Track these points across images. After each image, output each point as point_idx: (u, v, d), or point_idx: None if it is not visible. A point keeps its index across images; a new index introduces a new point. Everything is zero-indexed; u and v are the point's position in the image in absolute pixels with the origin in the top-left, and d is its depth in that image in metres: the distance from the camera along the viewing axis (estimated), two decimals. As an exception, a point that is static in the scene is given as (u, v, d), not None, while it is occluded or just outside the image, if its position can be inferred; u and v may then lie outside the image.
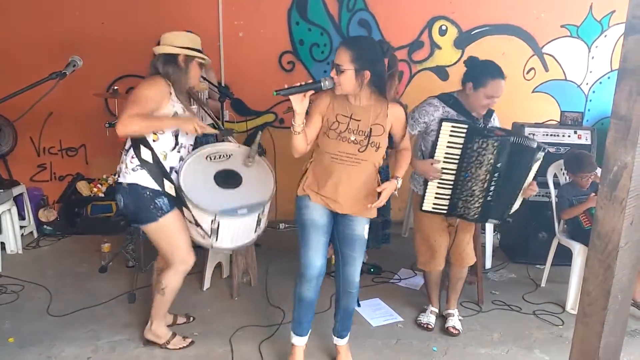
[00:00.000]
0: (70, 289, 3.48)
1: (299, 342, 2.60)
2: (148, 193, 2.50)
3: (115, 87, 4.06)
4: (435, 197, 2.72)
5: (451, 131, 2.64)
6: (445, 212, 2.75)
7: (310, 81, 2.20)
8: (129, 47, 4.56)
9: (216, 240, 2.58)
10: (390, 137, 2.40)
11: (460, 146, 2.64)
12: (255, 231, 2.69)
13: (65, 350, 2.77)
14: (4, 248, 4.02)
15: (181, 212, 2.59)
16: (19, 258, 4.04)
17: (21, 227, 4.28)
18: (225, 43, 4.61)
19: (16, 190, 4.22)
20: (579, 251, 3.33)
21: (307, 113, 2.29)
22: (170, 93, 2.50)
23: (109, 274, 3.72)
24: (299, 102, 2.17)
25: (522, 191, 2.73)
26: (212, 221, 2.51)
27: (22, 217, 4.36)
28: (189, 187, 2.53)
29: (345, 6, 4.63)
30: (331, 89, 2.26)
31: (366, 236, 2.47)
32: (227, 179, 2.65)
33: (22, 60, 4.46)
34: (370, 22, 4.67)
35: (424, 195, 2.73)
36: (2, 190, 3.96)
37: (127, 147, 2.55)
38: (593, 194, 3.34)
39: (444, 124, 2.64)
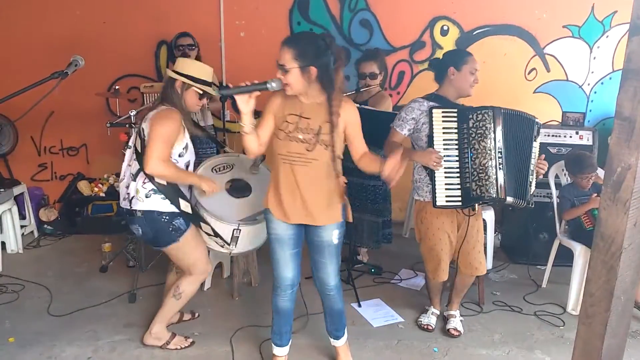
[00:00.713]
0: (71, 288, 3.48)
1: (280, 352, 2.61)
2: (164, 218, 2.51)
3: (117, 87, 4.06)
4: (446, 189, 2.65)
5: (443, 116, 2.63)
6: (460, 202, 2.66)
7: (257, 82, 2.17)
8: (130, 47, 4.56)
9: (235, 246, 2.73)
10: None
11: (456, 130, 2.64)
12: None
13: (65, 350, 2.77)
14: (4, 247, 4.02)
15: (197, 227, 2.64)
16: (19, 257, 4.04)
17: (22, 226, 4.28)
18: (226, 43, 4.61)
19: (17, 190, 4.22)
20: (580, 252, 3.33)
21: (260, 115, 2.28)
22: (183, 126, 2.53)
23: (109, 274, 3.71)
24: (244, 103, 2.16)
25: (533, 167, 2.69)
26: (234, 230, 2.68)
27: (22, 216, 4.36)
28: (208, 202, 2.66)
29: (346, 6, 4.62)
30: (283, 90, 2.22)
31: (336, 241, 2.38)
32: (238, 188, 2.86)
33: (23, 60, 4.46)
34: (372, 22, 4.66)
35: (434, 191, 2.66)
36: (2, 190, 3.96)
37: (134, 171, 2.53)
38: (595, 194, 3.34)
39: (434, 111, 2.64)
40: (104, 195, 4.57)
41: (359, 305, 3.32)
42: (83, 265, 3.85)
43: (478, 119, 2.60)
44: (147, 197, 2.50)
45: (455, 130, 2.64)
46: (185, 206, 2.55)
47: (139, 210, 2.51)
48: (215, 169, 2.88)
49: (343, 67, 2.26)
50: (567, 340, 2.99)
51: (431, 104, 2.74)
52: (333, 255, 2.41)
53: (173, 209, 2.52)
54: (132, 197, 2.52)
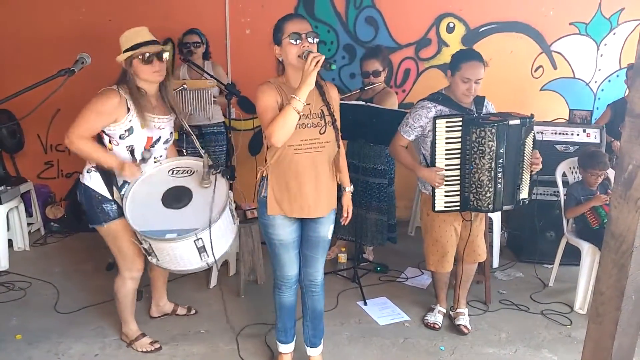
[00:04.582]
0: (78, 286, 3.49)
1: (286, 349, 2.61)
2: (98, 197, 2.52)
3: (123, 85, 4.04)
4: (445, 196, 2.70)
5: (446, 127, 2.61)
6: (458, 208, 2.72)
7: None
8: (136, 45, 4.55)
9: (157, 260, 2.43)
10: None
11: (459, 140, 2.63)
12: (202, 259, 2.38)
13: (72, 347, 2.78)
14: (11, 245, 4.03)
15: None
16: (26, 255, 4.05)
17: (28, 224, 4.29)
18: (232, 40, 4.60)
19: (23, 187, 4.23)
20: (587, 251, 3.31)
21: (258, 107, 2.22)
22: (128, 107, 2.46)
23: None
24: (312, 74, 2.07)
25: (526, 168, 2.71)
26: (143, 240, 2.38)
27: (29, 214, 4.38)
28: (130, 199, 2.45)
29: (352, 3, 4.61)
30: (280, 77, 2.27)
31: (329, 237, 2.40)
32: (177, 198, 2.43)
33: (29, 57, 4.46)
34: (378, 20, 4.65)
35: (434, 197, 2.70)
36: (9, 187, 3.97)
37: None
38: (598, 192, 3.33)
39: (437, 121, 2.62)
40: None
41: (365, 304, 3.32)
42: (90, 263, 3.86)
43: (481, 135, 2.58)
44: (87, 172, 2.54)
45: (459, 140, 2.63)
46: (117, 196, 2.51)
47: (82, 182, 2.56)
48: (173, 171, 2.56)
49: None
50: (575, 339, 2.97)
51: (438, 108, 2.72)
52: (324, 251, 2.44)
53: (107, 193, 2.51)
54: (83, 170, 2.58)
